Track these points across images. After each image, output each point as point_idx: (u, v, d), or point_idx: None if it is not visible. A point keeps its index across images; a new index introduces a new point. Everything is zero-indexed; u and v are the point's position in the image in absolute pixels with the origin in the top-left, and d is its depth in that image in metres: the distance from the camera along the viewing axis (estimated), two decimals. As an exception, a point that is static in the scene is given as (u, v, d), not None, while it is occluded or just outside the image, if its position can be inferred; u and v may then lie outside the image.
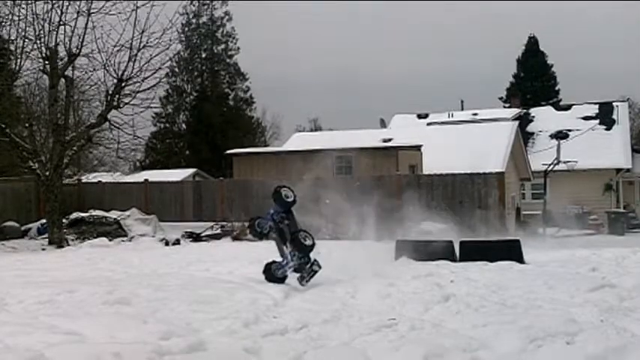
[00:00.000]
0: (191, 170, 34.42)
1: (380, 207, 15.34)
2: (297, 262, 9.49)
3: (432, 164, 22.50)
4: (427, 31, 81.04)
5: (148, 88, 18.40)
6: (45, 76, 18.77)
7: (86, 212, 20.30)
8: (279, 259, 9.74)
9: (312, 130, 50.30)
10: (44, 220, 18.89)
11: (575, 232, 26.96)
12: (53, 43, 17.74)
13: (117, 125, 18.57)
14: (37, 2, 17.64)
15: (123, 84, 18.04)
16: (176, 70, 48.69)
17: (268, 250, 10.47)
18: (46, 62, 17.88)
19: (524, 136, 31.65)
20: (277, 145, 41.36)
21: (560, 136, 31.77)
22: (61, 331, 6.85)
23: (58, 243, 17.56)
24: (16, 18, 17.78)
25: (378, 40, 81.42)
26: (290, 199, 10.04)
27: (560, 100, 50.86)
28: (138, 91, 18.28)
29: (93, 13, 17.58)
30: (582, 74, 64.77)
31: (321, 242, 12.05)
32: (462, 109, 40.71)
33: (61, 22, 17.62)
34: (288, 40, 74.86)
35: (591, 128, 33.84)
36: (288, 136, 33.99)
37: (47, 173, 17.90)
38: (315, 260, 9.53)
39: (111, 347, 6.02)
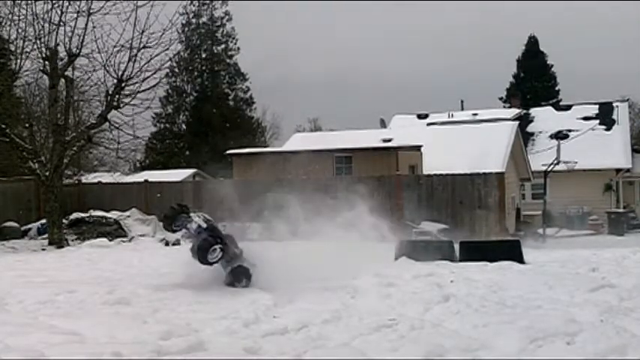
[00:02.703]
0: (191, 170, 34.41)
1: (380, 207, 15.33)
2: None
3: (432, 164, 22.50)
4: (427, 31, 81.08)
5: (148, 89, 18.41)
6: (45, 77, 18.75)
7: (86, 212, 20.30)
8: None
9: (312, 130, 50.30)
10: (44, 220, 18.88)
11: (575, 233, 26.98)
12: (53, 43, 17.73)
13: (117, 125, 18.56)
14: (37, 2, 17.63)
15: (123, 84, 18.02)
16: (176, 70, 48.67)
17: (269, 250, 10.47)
18: (46, 62, 17.86)
19: (524, 136, 31.65)
20: (277, 145, 41.38)
21: (560, 136, 31.78)
22: (61, 331, 6.85)
23: (58, 243, 17.55)
24: (16, 18, 17.79)
25: (378, 40, 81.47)
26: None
27: (560, 100, 50.85)
28: (138, 92, 18.27)
29: (93, 13, 17.56)
30: (582, 74, 64.72)
31: (320, 242, 12.07)
32: (462, 109, 40.71)
33: (61, 22, 17.61)
34: (288, 40, 74.88)
35: (591, 128, 33.84)
36: (288, 136, 34.03)
37: (47, 173, 17.88)
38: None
39: (111, 347, 6.02)
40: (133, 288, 9.12)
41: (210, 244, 8.85)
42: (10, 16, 17.92)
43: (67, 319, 7.49)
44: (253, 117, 52.51)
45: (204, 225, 9.17)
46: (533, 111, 38.48)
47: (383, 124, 39.02)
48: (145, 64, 18.03)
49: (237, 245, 9.52)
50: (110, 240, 18.04)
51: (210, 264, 8.95)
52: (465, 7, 77.18)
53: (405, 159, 22.63)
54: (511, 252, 12.42)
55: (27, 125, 19.79)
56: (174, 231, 9.53)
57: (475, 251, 12.57)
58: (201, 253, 8.82)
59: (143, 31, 17.78)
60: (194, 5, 49.96)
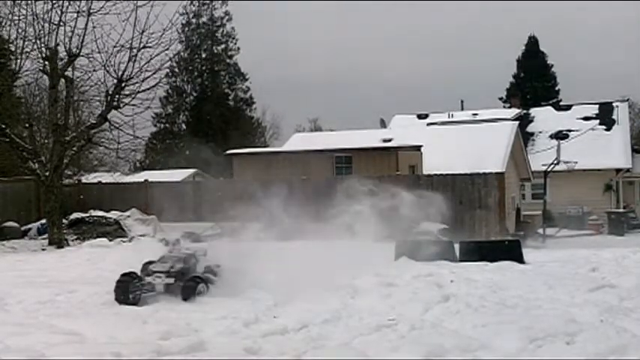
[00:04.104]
0: (191, 170, 34.36)
1: (379, 207, 15.31)
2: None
3: (432, 164, 22.48)
4: (427, 31, 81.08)
5: (148, 89, 18.40)
6: (45, 76, 18.76)
7: (86, 212, 20.29)
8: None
9: (312, 130, 50.29)
10: (44, 220, 18.88)
11: (575, 233, 26.97)
12: (53, 43, 17.73)
13: (117, 125, 18.56)
14: (37, 2, 17.64)
15: (123, 84, 18.02)
16: (176, 70, 48.66)
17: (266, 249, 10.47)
18: (46, 62, 17.86)
19: (524, 136, 31.63)
20: (277, 145, 41.37)
21: (560, 136, 31.75)
22: (61, 331, 6.87)
23: (58, 243, 17.55)
24: (16, 18, 17.81)
25: (378, 40, 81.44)
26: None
27: (560, 100, 50.79)
28: (138, 92, 18.27)
29: (93, 13, 17.57)
30: (582, 74, 64.83)
31: (320, 242, 12.06)
32: (462, 109, 40.69)
33: (61, 22, 17.61)
34: (288, 40, 74.85)
35: (591, 128, 33.82)
36: (288, 136, 34.01)
37: (47, 173, 17.89)
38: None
39: (111, 347, 6.03)
40: (133, 288, 9.10)
41: (194, 289, 8.56)
42: (10, 16, 17.96)
43: (67, 319, 7.50)
44: (253, 117, 52.54)
45: (172, 280, 8.67)
46: (533, 111, 38.46)
47: (383, 124, 39.00)
48: (145, 64, 18.05)
49: (197, 257, 9.24)
50: (110, 240, 18.02)
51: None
52: (465, 7, 77.24)
53: (405, 159, 22.61)
54: (511, 252, 12.43)
55: (27, 125, 19.78)
56: (134, 302, 8.49)
57: (475, 251, 12.58)
58: (188, 298, 8.49)
59: (143, 31, 17.80)
60: (194, 5, 49.98)
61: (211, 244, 11.27)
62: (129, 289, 8.48)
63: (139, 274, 8.79)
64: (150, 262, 9.00)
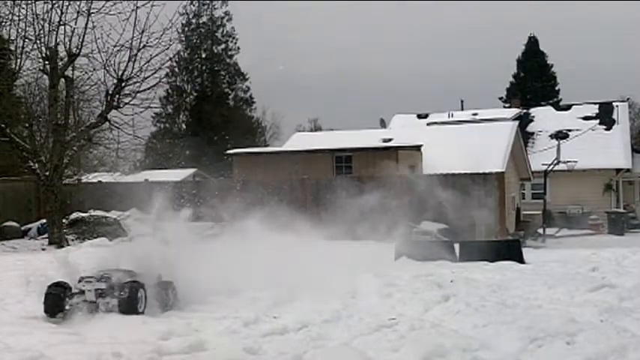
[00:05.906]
0: (191, 170, 34.37)
1: (380, 207, 15.33)
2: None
3: (432, 164, 22.47)
4: (427, 31, 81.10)
5: (148, 88, 18.39)
6: (45, 76, 18.75)
7: (86, 212, 20.29)
8: None
9: (312, 130, 50.29)
10: (44, 220, 18.88)
11: (575, 233, 26.99)
12: (53, 43, 17.73)
13: (117, 125, 18.56)
14: (37, 2, 17.64)
15: (123, 84, 18.01)
16: (176, 70, 48.68)
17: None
18: (46, 62, 17.86)
19: (524, 136, 31.61)
20: (277, 145, 41.37)
21: (560, 136, 31.75)
22: (61, 331, 6.86)
23: (58, 243, 17.55)
24: (16, 18, 17.79)
25: (378, 40, 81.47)
26: None
27: (560, 100, 50.86)
28: (138, 91, 18.26)
29: (93, 13, 17.56)
30: (582, 74, 64.83)
31: (319, 242, 12.07)
32: (462, 109, 40.66)
33: (61, 22, 17.61)
34: (289, 40, 74.88)
35: (591, 128, 33.82)
36: (288, 136, 34.01)
37: (47, 173, 17.89)
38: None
39: (111, 347, 6.02)
40: (133, 288, 9.08)
41: (134, 296, 7.56)
42: (10, 16, 17.94)
43: (67, 318, 7.49)
44: (253, 117, 52.62)
45: (103, 285, 7.69)
46: (533, 111, 38.45)
47: (383, 124, 39.00)
48: (145, 64, 18.04)
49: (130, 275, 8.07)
50: (110, 240, 18.01)
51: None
52: (465, 7, 77.26)
53: (405, 159, 22.61)
54: (511, 252, 12.44)
55: (27, 125, 19.77)
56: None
57: (475, 251, 12.58)
58: (132, 308, 7.54)
59: (143, 31, 17.77)
60: (194, 5, 50.07)
61: (205, 246, 11.26)
62: (62, 302, 7.65)
63: (69, 284, 7.93)
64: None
